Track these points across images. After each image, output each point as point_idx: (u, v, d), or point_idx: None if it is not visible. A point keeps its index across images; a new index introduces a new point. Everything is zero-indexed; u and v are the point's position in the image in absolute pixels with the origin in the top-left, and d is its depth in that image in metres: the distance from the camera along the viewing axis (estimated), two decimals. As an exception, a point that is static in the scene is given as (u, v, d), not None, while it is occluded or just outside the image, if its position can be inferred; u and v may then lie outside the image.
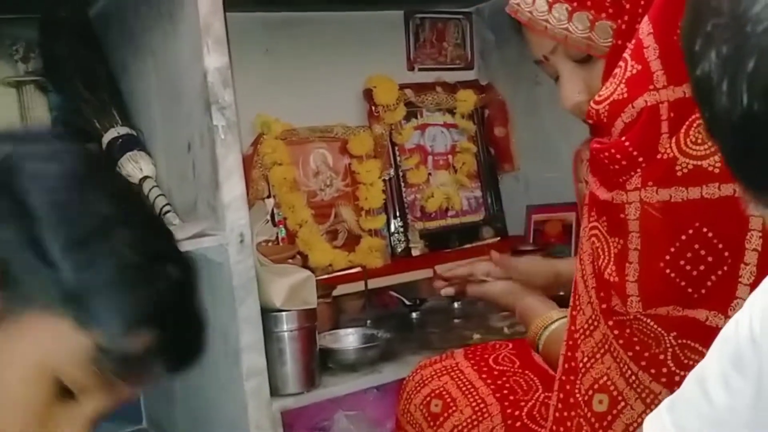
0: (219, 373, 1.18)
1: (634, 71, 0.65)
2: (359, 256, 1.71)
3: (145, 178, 1.27)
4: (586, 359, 0.71)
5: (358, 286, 1.60)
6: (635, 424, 0.67)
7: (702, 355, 0.62)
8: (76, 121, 1.37)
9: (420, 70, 1.87)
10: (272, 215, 1.48)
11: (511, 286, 1.02)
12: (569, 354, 0.74)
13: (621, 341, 0.68)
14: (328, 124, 1.73)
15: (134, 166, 1.28)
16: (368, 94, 1.76)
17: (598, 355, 0.70)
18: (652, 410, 0.65)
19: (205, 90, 1.07)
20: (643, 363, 0.67)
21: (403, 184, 1.81)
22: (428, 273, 1.71)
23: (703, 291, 0.63)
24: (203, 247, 1.12)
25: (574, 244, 1.76)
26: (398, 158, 1.81)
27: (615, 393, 0.69)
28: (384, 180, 1.75)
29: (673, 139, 0.63)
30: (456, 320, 1.57)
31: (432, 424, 1.02)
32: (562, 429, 0.76)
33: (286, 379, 1.17)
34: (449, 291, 1.10)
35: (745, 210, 0.60)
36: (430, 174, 1.85)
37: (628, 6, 0.72)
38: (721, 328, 0.60)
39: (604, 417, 0.70)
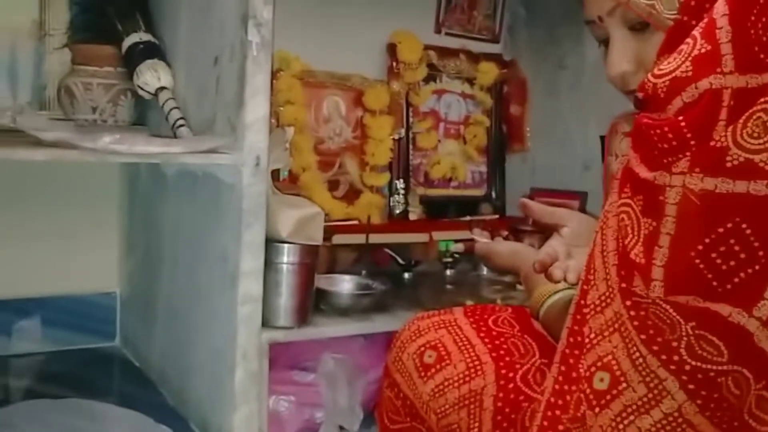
0: (212, 295, 1.16)
1: (703, 50, 0.62)
2: (357, 210, 1.69)
3: (162, 88, 1.23)
4: (593, 335, 0.69)
5: (353, 238, 1.59)
6: (633, 407, 0.66)
7: (718, 349, 0.61)
8: (96, 21, 1.33)
9: (446, 34, 1.84)
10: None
11: (519, 248, 1.00)
12: (575, 328, 0.73)
13: (636, 323, 0.67)
14: (346, 72, 1.70)
15: (153, 75, 1.23)
16: (392, 49, 1.73)
17: (606, 333, 0.68)
18: (653, 395, 0.64)
19: (245, 3, 1.03)
20: (655, 348, 0.66)
21: (411, 147, 1.79)
22: (424, 237, 1.70)
23: (729, 286, 0.61)
24: (215, 164, 1.09)
25: (572, 231, 1.76)
26: (411, 119, 1.78)
27: (618, 373, 0.67)
28: (393, 138, 1.73)
29: (730, 128, 0.61)
30: (448, 286, 1.56)
31: (423, 374, 1.00)
32: (560, 402, 0.74)
33: (278, 312, 1.15)
34: (459, 246, 1.08)
35: None
36: (439, 141, 1.83)
37: None
38: (743, 326, 0.59)
39: (603, 395, 0.68)
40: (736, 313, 0.61)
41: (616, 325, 0.67)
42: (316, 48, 1.62)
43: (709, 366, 0.62)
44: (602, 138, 1.69)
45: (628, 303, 0.67)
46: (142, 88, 1.25)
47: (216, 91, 1.13)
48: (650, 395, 0.64)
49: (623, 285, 0.67)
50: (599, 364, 0.68)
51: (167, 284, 1.33)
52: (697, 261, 0.61)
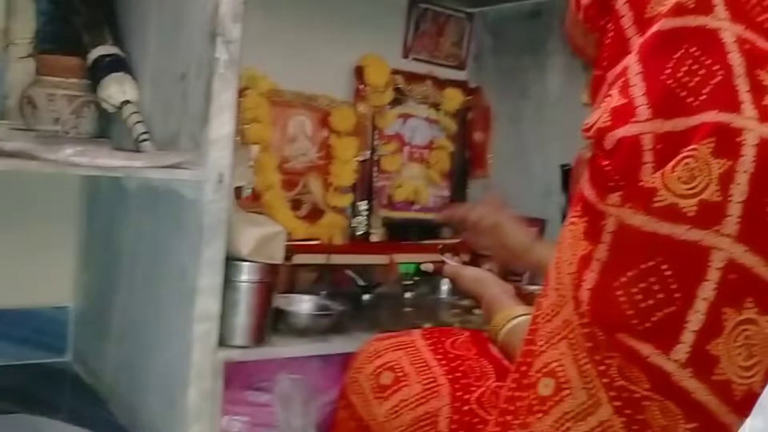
0: (168, 311, 1.15)
1: (619, 104, 0.66)
2: (320, 230, 1.70)
3: (127, 102, 1.23)
4: (542, 342, 0.71)
5: (314, 258, 1.59)
6: (572, 413, 0.67)
7: (641, 379, 0.63)
8: (63, 31, 1.31)
9: (414, 59, 1.87)
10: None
11: (484, 275, 1.02)
12: (530, 338, 0.75)
13: (585, 330, 0.68)
14: (314, 92, 1.71)
15: (118, 89, 1.23)
16: (359, 72, 1.75)
17: (553, 341, 0.70)
18: (592, 402, 0.65)
19: (214, 20, 1.04)
20: (596, 357, 0.68)
21: (375, 169, 1.80)
22: (385, 259, 1.71)
23: (648, 325, 0.64)
24: (178, 180, 1.08)
25: (531, 258, 1.79)
26: (376, 142, 1.80)
27: (563, 380, 0.68)
28: (358, 160, 1.74)
29: (659, 172, 0.64)
30: (407, 308, 1.57)
31: (379, 395, 1.01)
32: (512, 408, 0.76)
33: (234, 331, 1.14)
34: (429, 266, 1.11)
35: (706, 261, 0.61)
36: (403, 164, 1.85)
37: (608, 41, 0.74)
38: (662, 368, 0.61)
39: (546, 401, 0.69)
40: (655, 355, 0.63)
41: (565, 332, 0.69)
42: (285, 67, 1.63)
43: (634, 388, 0.64)
44: (562, 167, 1.73)
45: (581, 310, 0.68)
46: (106, 101, 1.24)
47: (182, 106, 1.13)
48: (589, 402, 0.66)
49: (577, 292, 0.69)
50: (545, 370, 0.69)
51: (123, 300, 1.31)
52: (619, 293, 0.64)
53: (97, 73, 1.25)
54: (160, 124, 1.20)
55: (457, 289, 1.12)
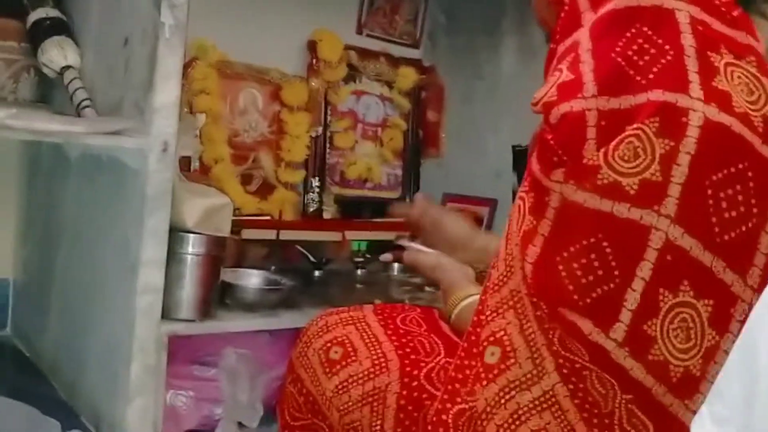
0: (110, 284, 1.12)
1: (567, 79, 0.66)
2: (270, 206, 1.67)
3: (68, 67, 1.18)
4: (489, 312, 0.72)
5: (264, 234, 1.56)
6: (517, 382, 0.68)
7: (580, 351, 0.64)
8: (0, -9, 1.25)
9: (368, 36, 1.85)
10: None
11: (442, 261, 1.02)
12: (479, 308, 0.76)
13: (534, 299, 0.69)
14: (265, 65, 1.67)
15: (59, 53, 1.18)
16: (312, 46, 1.72)
17: (501, 310, 0.71)
18: (537, 372, 0.66)
19: (159, -17, 1.00)
20: (545, 326, 0.69)
21: (328, 145, 1.78)
22: (337, 236, 1.70)
23: (588, 301, 0.64)
24: (120, 148, 1.05)
25: (482, 237, 1.79)
26: (329, 118, 1.78)
27: (509, 348, 0.69)
28: (311, 136, 1.72)
29: (602, 150, 0.65)
30: (358, 285, 1.56)
31: (328, 370, 0.99)
32: (460, 376, 0.76)
33: (180, 304, 1.12)
34: (387, 256, 1.11)
35: (645, 240, 0.61)
36: (356, 141, 1.83)
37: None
38: (601, 345, 0.62)
39: (492, 369, 0.70)
40: (595, 333, 0.63)
41: (512, 302, 0.70)
42: (235, 39, 1.59)
43: (576, 358, 0.65)
44: (514, 147, 1.74)
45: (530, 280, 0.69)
46: (46, 66, 1.19)
47: (125, 73, 1.09)
48: (534, 371, 0.67)
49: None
50: (492, 339, 0.70)
51: (64, 272, 1.27)
52: (560, 268, 0.64)
53: (37, 36, 1.20)
54: (103, 90, 1.16)
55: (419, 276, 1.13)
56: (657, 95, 0.63)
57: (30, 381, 1.29)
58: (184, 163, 1.33)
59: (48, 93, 1.29)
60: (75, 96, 1.14)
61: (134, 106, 1.07)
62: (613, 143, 0.64)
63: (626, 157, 0.63)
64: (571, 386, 0.66)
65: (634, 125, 0.63)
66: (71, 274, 1.25)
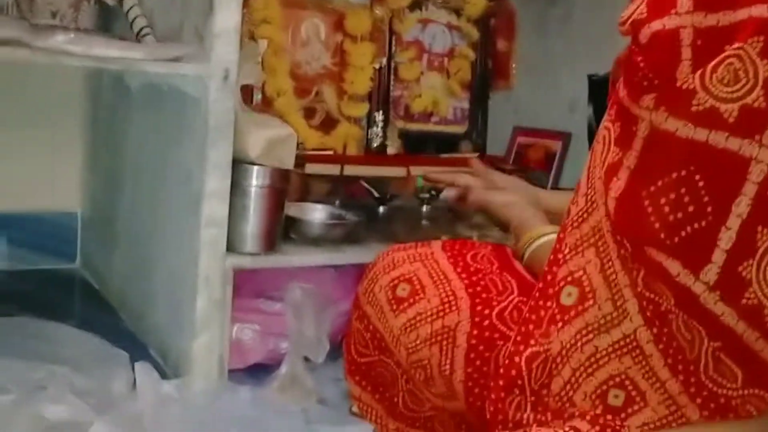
0: (175, 217, 1.10)
1: None
2: (333, 140, 1.62)
3: (127, -6, 1.15)
4: (567, 250, 0.68)
5: (328, 169, 1.53)
6: (595, 324, 0.64)
7: (665, 294, 0.58)
8: None
9: (436, -41, 1.75)
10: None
11: (513, 200, 0.96)
12: (557, 246, 0.71)
13: (618, 237, 0.64)
14: (328, -7, 1.61)
15: (117, -21, 1.14)
16: (377, -29, 1.64)
17: (580, 248, 0.66)
18: (617, 314, 0.62)
19: None
20: (629, 265, 0.63)
21: (393, 77, 1.71)
22: (401, 172, 1.65)
23: (677, 240, 0.58)
24: (180, 75, 1.02)
25: (554, 173, 1.72)
26: (394, 48, 1.70)
27: (588, 289, 0.65)
28: (374, 68, 1.65)
29: (699, 71, 0.57)
30: (424, 222, 1.52)
31: (395, 307, 0.96)
32: (534, 317, 0.73)
33: (245, 237, 1.09)
34: (451, 195, 1.04)
35: (743, 173, 0.55)
36: (422, 73, 1.75)
37: None
38: (689, 288, 0.56)
39: (568, 311, 0.66)
40: (684, 275, 0.58)
41: (593, 240, 0.65)
42: (297, -36, 1.53)
43: (660, 301, 0.60)
44: (590, 77, 1.64)
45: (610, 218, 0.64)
46: (105, -7, 1.16)
47: (185, -3, 1.05)
48: (614, 314, 0.63)
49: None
50: (569, 278, 0.66)
51: (130, 204, 1.27)
52: (647, 203, 0.59)
53: (94, -38, 1.17)
54: (162, 17, 1.12)
55: (487, 218, 1.05)
56: (761, 11, 0.55)
57: (98, 313, 1.31)
58: (246, 94, 1.29)
59: (108, 21, 1.26)
60: (134, 24, 1.11)
61: (194, 32, 1.03)
62: (711, 65, 0.57)
63: (725, 81, 0.56)
64: (655, 330, 0.61)
65: (735, 45, 0.56)
66: (136, 207, 1.24)
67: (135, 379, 1.01)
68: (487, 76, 1.84)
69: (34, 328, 1.14)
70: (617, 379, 0.64)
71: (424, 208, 1.61)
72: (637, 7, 0.60)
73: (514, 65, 1.84)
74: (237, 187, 1.06)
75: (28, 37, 0.87)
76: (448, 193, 1.11)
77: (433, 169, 1.38)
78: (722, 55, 0.56)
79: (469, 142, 1.84)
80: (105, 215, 1.38)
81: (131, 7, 1.14)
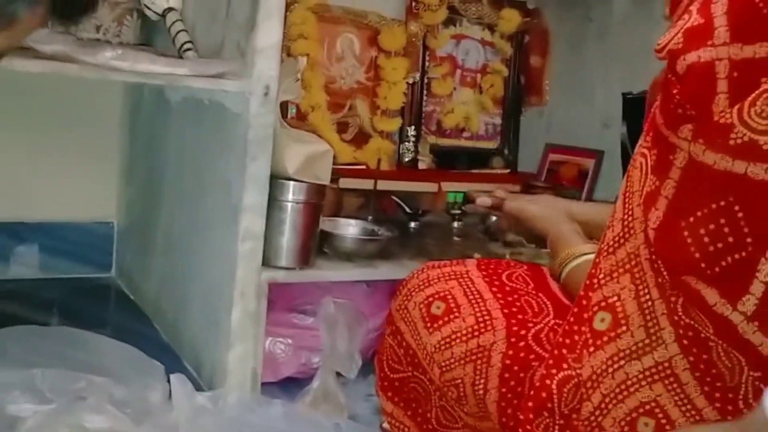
0: (212, 230, 1.12)
1: (696, 23, 0.59)
2: (366, 155, 1.63)
3: (170, 9, 1.17)
4: (602, 275, 0.68)
5: (361, 183, 1.54)
6: (627, 351, 0.64)
7: (705, 323, 0.57)
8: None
9: (470, -24, 1.75)
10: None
11: (549, 212, 0.96)
12: (592, 271, 0.71)
13: (656, 265, 0.63)
14: (363, 9, 1.62)
15: (161, -6, 1.16)
16: (412, -12, 1.65)
17: (615, 274, 0.66)
18: (650, 341, 0.61)
19: None
20: (668, 293, 0.63)
21: (425, 93, 1.72)
22: (433, 187, 1.65)
23: (717, 270, 0.58)
24: (222, 91, 1.03)
25: (586, 191, 1.71)
26: (427, 64, 1.71)
27: (621, 315, 0.65)
28: (407, 83, 1.66)
29: (736, 107, 0.56)
30: (455, 238, 1.52)
31: (429, 325, 0.96)
32: (568, 341, 0.73)
33: (280, 252, 1.10)
34: (486, 200, 1.03)
35: None
36: (455, 88, 1.76)
37: None
38: (727, 317, 0.56)
39: (600, 336, 0.66)
40: (721, 305, 0.58)
41: (628, 266, 0.65)
42: (334, -19, 1.54)
43: (699, 328, 0.60)
44: (625, 95, 1.63)
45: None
46: (149, 8, 1.19)
47: (227, 13, 1.07)
48: (647, 341, 0.63)
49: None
50: (603, 304, 0.66)
51: (167, 216, 1.28)
52: (686, 234, 0.58)
53: (139, -22, 1.19)
54: (204, 32, 1.14)
55: (518, 227, 1.04)
56: None
57: (134, 323, 1.32)
58: (281, 108, 1.30)
59: (150, 36, 1.28)
60: (177, 39, 1.13)
61: (236, 48, 1.04)
62: (750, 99, 0.56)
63: (764, 114, 0.56)
64: (691, 358, 0.61)
65: None
66: (174, 218, 1.26)
67: (170, 390, 1.02)
68: (519, 92, 1.84)
69: (72, 336, 1.16)
70: (647, 407, 0.63)
71: (455, 224, 1.61)
72: (674, 36, 0.60)
73: (547, 82, 1.84)
74: (274, 201, 1.07)
75: (76, 52, 0.89)
76: (481, 201, 1.09)
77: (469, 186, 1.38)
78: (761, 89, 0.56)
79: (500, 158, 1.84)
80: (141, 226, 1.40)
81: (174, 22, 1.15)
